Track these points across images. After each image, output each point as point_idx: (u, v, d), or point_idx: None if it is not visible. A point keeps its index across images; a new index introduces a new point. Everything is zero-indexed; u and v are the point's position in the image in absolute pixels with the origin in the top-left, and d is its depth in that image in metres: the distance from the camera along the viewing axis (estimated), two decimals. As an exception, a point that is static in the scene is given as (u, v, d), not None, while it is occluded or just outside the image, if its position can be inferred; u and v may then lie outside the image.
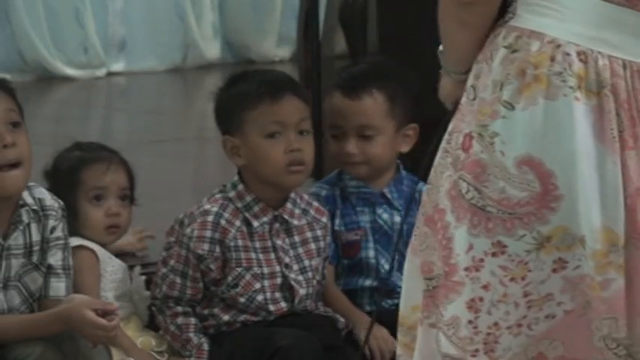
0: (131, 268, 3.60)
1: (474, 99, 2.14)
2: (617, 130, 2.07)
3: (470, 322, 2.12)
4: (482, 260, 2.12)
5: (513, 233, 2.10)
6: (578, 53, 2.08)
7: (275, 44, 8.46)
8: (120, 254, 3.60)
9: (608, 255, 2.07)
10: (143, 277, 3.59)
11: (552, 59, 2.08)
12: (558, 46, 2.08)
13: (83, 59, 8.01)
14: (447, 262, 2.16)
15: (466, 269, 2.12)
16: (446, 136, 2.19)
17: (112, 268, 3.50)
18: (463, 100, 2.16)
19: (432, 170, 2.25)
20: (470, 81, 2.16)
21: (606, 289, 2.06)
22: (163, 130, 6.52)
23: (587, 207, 2.09)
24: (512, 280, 2.11)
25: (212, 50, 8.39)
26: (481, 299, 2.15)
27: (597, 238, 2.09)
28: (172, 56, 8.35)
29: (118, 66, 8.18)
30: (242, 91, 3.49)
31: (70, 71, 7.87)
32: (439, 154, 2.20)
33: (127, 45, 8.35)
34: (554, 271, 2.11)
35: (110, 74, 8.08)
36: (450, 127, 2.21)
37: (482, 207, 2.13)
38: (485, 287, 2.14)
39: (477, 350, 2.14)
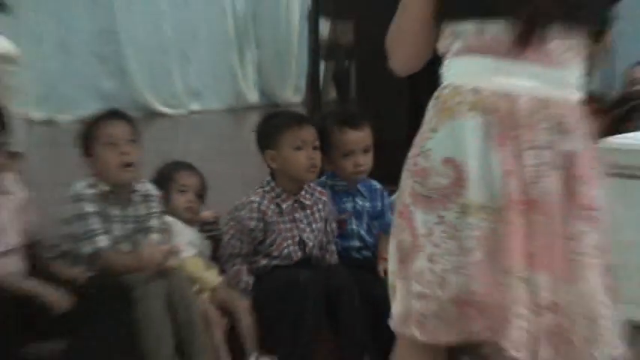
0: (202, 231, 4.43)
1: (421, 138, 2.73)
2: (495, 135, 2.57)
3: (430, 269, 2.64)
4: (431, 229, 2.64)
5: (447, 207, 2.61)
6: (473, 90, 2.60)
7: (292, 93, 10.39)
8: (202, 224, 4.41)
9: (490, 214, 2.60)
10: (207, 241, 4.41)
11: (455, 96, 2.62)
12: (460, 86, 2.62)
13: (173, 101, 9.66)
14: (412, 234, 2.68)
15: (423, 236, 2.64)
16: (406, 161, 2.74)
17: (188, 233, 4.24)
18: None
19: (400, 183, 2.77)
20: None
21: (484, 243, 2.61)
22: (224, 147, 7.41)
23: (478, 185, 2.59)
24: (450, 238, 2.62)
25: (253, 97, 10.32)
26: (434, 254, 2.63)
27: (483, 204, 2.59)
28: (228, 101, 10.18)
29: (194, 106, 9.81)
30: (277, 122, 4.33)
31: (164, 109, 9.51)
32: (403, 174, 2.75)
33: (200, 92, 9.99)
34: (472, 229, 2.61)
35: (191, 112, 9.74)
36: (409, 155, 2.75)
37: (427, 195, 2.64)
38: (436, 246, 2.63)
39: (434, 288, 2.65)
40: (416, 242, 2.69)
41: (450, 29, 2.71)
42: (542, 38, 2.64)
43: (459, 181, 2.61)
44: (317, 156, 4.18)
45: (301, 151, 4.16)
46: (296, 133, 4.19)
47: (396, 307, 2.75)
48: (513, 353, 2.58)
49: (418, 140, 2.69)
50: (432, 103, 2.69)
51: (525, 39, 2.64)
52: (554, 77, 2.69)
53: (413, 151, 2.69)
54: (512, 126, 2.62)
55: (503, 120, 2.60)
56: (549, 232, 2.64)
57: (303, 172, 4.18)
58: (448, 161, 2.62)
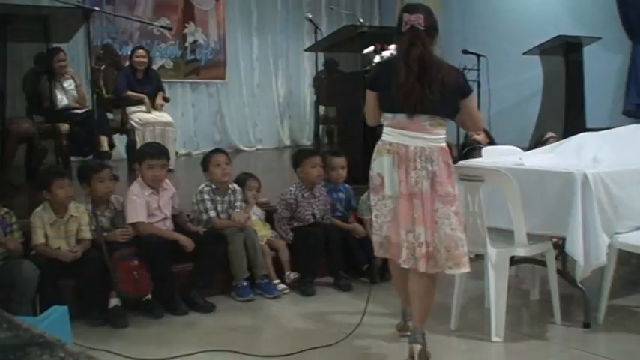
0: (260, 208, 5.00)
1: (372, 162, 3.33)
2: (397, 164, 3.21)
3: (375, 221, 3.33)
4: (376, 203, 3.32)
5: (378, 194, 3.30)
6: (389, 143, 3.24)
7: (306, 140, 11.15)
8: (261, 204, 5.02)
9: (393, 201, 3.25)
10: (263, 211, 5.02)
11: (383, 145, 3.26)
12: (385, 141, 3.27)
13: (248, 144, 10.78)
14: (372, 205, 3.37)
15: (373, 206, 3.35)
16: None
17: (254, 209, 4.91)
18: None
19: (369, 187, 3.37)
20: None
21: (392, 213, 3.24)
22: (274, 166, 8.17)
23: (389, 186, 3.25)
24: (379, 208, 3.30)
25: (287, 141, 11.23)
26: (376, 215, 3.33)
27: (391, 195, 3.24)
28: (275, 144, 11.13)
29: (259, 146, 10.89)
30: (302, 154, 4.98)
31: (243, 148, 10.68)
32: (370, 183, 3.36)
33: (262, 139, 11.00)
34: (386, 206, 3.27)
35: (257, 149, 10.76)
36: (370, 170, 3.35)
37: (373, 189, 3.33)
38: (377, 211, 3.33)
39: (378, 231, 3.31)
40: (371, 207, 3.39)
41: (382, 114, 3.33)
42: (418, 120, 3.22)
43: (381, 184, 3.29)
44: (322, 171, 4.85)
45: (314, 168, 4.80)
46: (311, 159, 4.85)
47: (373, 240, 3.42)
48: (403, 264, 3.24)
49: (371, 164, 3.35)
50: (375, 147, 3.36)
51: (410, 120, 3.22)
52: (426, 137, 3.22)
53: (370, 169, 3.36)
54: (405, 160, 3.21)
55: (402, 157, 3.22)
56: (422, 208, 3.20)
57: (315, 179, 4.82)
58: (378, 174, 3.30)
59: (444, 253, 3.18)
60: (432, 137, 3.20)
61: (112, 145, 7.03)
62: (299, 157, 4.91)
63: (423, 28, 3.17)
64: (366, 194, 4.82)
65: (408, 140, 3.19)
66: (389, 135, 3.27)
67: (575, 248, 3.35)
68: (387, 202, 3.23)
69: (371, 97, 3.32)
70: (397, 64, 3.20)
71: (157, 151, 4.52)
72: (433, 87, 3.12)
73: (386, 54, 5.49)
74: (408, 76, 3.12)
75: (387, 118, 3.28)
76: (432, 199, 3.16)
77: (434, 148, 3.18)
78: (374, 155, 3.30)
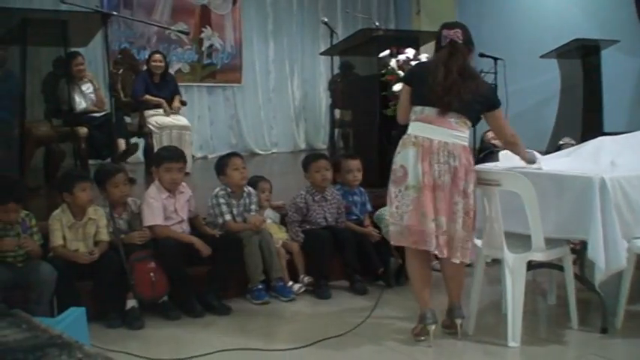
0: (274, 210, 5.02)
1: (395, 155, 3.46)
2: (420, 156, 3.36)
3: (396, 212, 3.43)
4: (396, 194, 3.44)
5: (400, 185, 3.41)
6: (415, 136, 3.40)
7: (322, 144, 11.21)
8: (275, 207, 5.05)
9: (416, 190, 3.37)
10: (278, 214, 5.05)
11: (408, 138, 3.42)
12: (410, 134, 3.43)
13: (264, 147, 10.88)
14: (390, 196, 3.48)
15: (394, 197, 3.46)
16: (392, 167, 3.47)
17: (268, 211, 4.97)
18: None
19: (390, 179, 3.47)
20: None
21: (415, 202, 3.36)
22: (287, 170, 8.00)
23: (412, 176, 3.37)
24: (400, 199, 3.42)
25: (302, 145, 11.31)
26: (397, 205, 3.44)
27: (414, 185, 3.37)
28: (291, 147, 11.18)
29: (274, 149, 11.00)
30: (308, 159, 4.96)
31: (259, 151, 10.77)
32: (390, 175, 3.48)
33: (277, 142, 11.09)
34: (409, 196, 3.38)
35: (272, 153, 10.90)
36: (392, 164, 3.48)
37: (394, 179, 3.45)
38: (398, 201, 3.44)
39: (398, 220, 3.43)
40: (390, 201, 3.48)
41: (412, 109, 3.49)
42: (447, 117, 3.40)
43: (405, 174, 3.41)
44: (327, 175, 4.85)
45: (318, 173, 4.82)
46: (315, 164, 4.87)
47: (389, 230, 3.58)
48: (432, 250, 3.43)
49: (394, 158, 3.49)
50: (400, 141, 3.50)
51: (439, 115, 3.40)
52: (451, 133, 3.41)
53: (392, 162, 3.49)
54: (429, 152, 3.38)
55: (426, 150, 3.39)
56: (444, 199, 3.37)
57: (320, 183, 4.83)
58: (401, 166, 3.44)
59: (457, 242, 3.41)
60: (456, 134, 3.38)
61: (133, 148, 7.08)
62: (306, 161, 4.95)
63: (461, 41, 3.42)
64: (385, 208, 4.75)
65: (433, 134, 3.36)
66: (415, 129, 3.43)
67: (597, 253, 3.33)
68: (409, 191, 3.36)
69: (405, 92, 3.54)
70: (435, 66, 3.41)
71: (175, 155, 4.53)
72: (467, 91, 3.34)
73: (402, 57, 5.59)
74: (447, 77, 3.33)
75: (415, 112, 3.44)
76: (451, 192, 3.34)
77: (457, 145, 3.36)
78: (398, 149, 3.45)
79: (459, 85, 3.33)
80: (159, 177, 4.46)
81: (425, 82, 3.39)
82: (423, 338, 3.57)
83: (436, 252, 3.40)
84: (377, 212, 4.93)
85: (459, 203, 3.36)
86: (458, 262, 3.45)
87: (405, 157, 3.41)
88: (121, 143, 6.69)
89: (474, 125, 3.52)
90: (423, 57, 5.69)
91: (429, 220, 3.33)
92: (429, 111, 3.39)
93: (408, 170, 3.37)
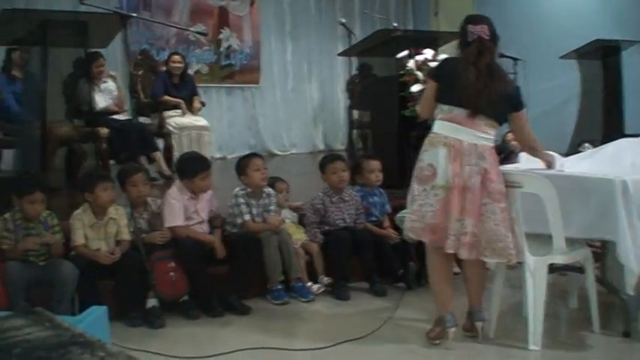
0: (293, 211, 5.01)
1: (420, 153, 3.43)
2: (452, 156, 3.34)
3: (418, 210, 3.42)
4: (419, 193, 3.43)
5: (425, 184, 3.40)
6: (445, 136, 3.36)
7: (340, 144, 11.15)
8: (295, 208, 5.04)
9: (445, 190, 3.35)
10: (296, 214, 5.03)
11: (437, 138, 3.39)
12: (439, 134, 3.39)
13: (282, 148, 10.93)
14: (412, 194, 3.47)
15: (417, 195, 3.44)
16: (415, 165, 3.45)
17: (286, 212, 4.94)
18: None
19: (413, 176, 3.45)
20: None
21: (442, 202, 3.33)
22: (306, 170, 7.64)
23: (442, 176, 3.34)
24: (424, 197, 3.39)
25: (321, 146, 11.33)
26: (420, 204, 3.43)
27: (442, 185, 3.34)
28: (309, 148, 11.22)
29: (293, 150, 11.05)
30: (325, 160, 4.96)
31: (278, 152, 10.85)
32: (414, 173, 3.45)
33: (296, 143, 11.11)
34: (436, 195, 3.36)
35: (291, 154, 10.93)
36: (417, 161, 3.44)
37: (419, 177, 3.43)
38: (421, 199, 3.42)
39: (420, 218, 3.42)
40: (414, 197, 3.47)
41: (439, 107, 3.45)
42: (477, 119, 3.38)
43: (433, 174, 3.39)
44: (344, 177, 4.86)
45: (335, 174, 4.84)
46: (332, 165, 4.89)
47: (406, 226, 3.55)
48: (447, 249, 3.39)
49: (419, 155, 3.48)
50: (426, 139, 3.47)
51: (469, 117, 3.38)
52: (480, 135, 3.39)
53: (417, 160, 3.48)
54: (460, 154, 3.36)
55: (457, 151, 3.37)
56: (473, 200, 3.35)
57: (336, 184, 4.84)
58: (430, 165, 3.41)
59: (484, 244, 3.35)
60: (485, 136, 3.37)
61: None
62: (322, 163, 4.96)
63: (488, 38, 3.38)
64: (406, 210, 4.79)
65: (463, 135, 3.34)
66: (443, 128, 3.40)
67: (628, 255, 3.30)
68: (438, 191, 3.34)
69: (432, 87, 3.49)
70: (464, 66, 3.35)
71: (206, 163, 4.61)
72: (496, 93, 3.31)
73: (420, 58, 5.55)
74: (478, 78, 3.29)
75: (442, 111, 3.41)
76: (480, 193, 3.31)
77: (486, 147, 3.36)
78: (425, 147, 3.43)
79: (489, 86, 3.31)
80: (193, 186, 4.48)
81: (454, 81, 3.36)
82: (438, 342, 3.56)
83: (448, 250, 3.39)
84: (398, 214, 4.86)
85: (487, 204, 3.35)
86: (491, 261, 3.50)
87: (434, 156, 3.39)
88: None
89: (500, 125, 3.50)
90: (422, 56, 5.69)
91: (453, 220, 3.33)
92: (459, 112, 3.37)
93: (438, 170, 3.35)
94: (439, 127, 3.43)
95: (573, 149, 5.80)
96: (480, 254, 3.39)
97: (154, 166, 6.63)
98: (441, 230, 3.37)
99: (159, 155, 6.69)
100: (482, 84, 3.29)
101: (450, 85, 3.37)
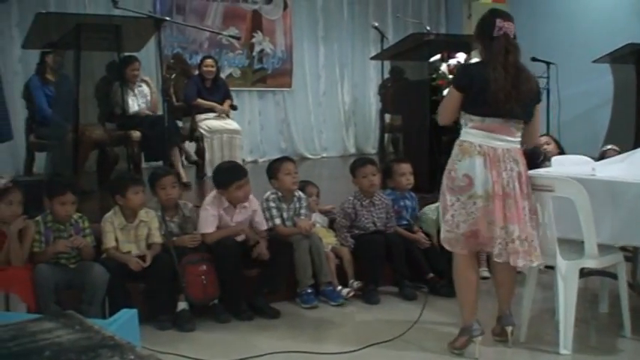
0: (323, 215, 5.05)
1: (452, 163, 3.39)
2: (488, 165, 3.30)
3: (451, 220, 3.38)
4: (452, 203, 3.39)
5: (460, 194, 3.35)
6: (479, 145, 3.32)
7: (371, 148, 11.02)
8: (325, 212, 5.09)
9: (485, 200, 3.32)
10: (326, 218, 5.06)
11: (471, 146, 3.33)
12: (473, 143, 3.33)
13: (314, 152, 10.85)
14: (444, 205, 3.43)
15: (450, 205, 3.39)
16: (444, 174, 3.43)
17: (317, 215, 4.99)
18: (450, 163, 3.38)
19: (442, 185, 3.44)
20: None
21: (482, 211, 3.30)
22: (337, 174, 7.60)
23: (480, 186, 3.31)
24: (461, 208, 3.36)
25: (352, 150, 11.17)
26: (453, 214, 3.38)
27: (481, 195, 3.30)
28: (340, 152, 11.10)
29: (324, 154, 10.94)
30: (356, 164, 4.96)
31: (310, 156, 10.75)
32: (443, 179, 3.43)
33: (327, 147, 11.04)
34: (475, 204, 3.32)
35: (322, 157, 10.84)
36: (445, 172, 3.42)
37: (452, 188, 3.37)
38: (454, 210, 3.38)
39: (453, 228, 3.38)
40: (446, 208, 3.43)
41: (466, 116, 3.39)
42: (509, 123, 3.36)
43: (470, 184, 3.35)
44: (375, 180, 4.85)
45: (365, 178, 4.82)
46: (362, 169, 4.87)
47: (442, 236, 3.52)
48: (496, 259, 3.37)
49: (450, 165, 3.42)
50: (456, 148, 3.41)
51: (502, 124, 3.36)
52: (510, 140, 3.37)
53: (447, 169, 3.43)
54: (496, 161, 3.34)
55: (492, 159, 3.34)
56: (514, 206, 3.33)
57: (367, 188, 4.83)
58: (465, 175, 3.35)
59: (527, 248, 3.34)
60: (515, 139, 3.36)
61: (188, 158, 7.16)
62: (353, 167, 4.95)
63: (513, 36, 3.31)
64: (429, 207, 4.88)
65: (496, 143, 3.31)
66: (476, 137, 3.35)
67: None
68: (477, 200, 3.30)
69: (454, 96, 3.39)
70: (491, 69, 3.28)
71: (241, 172, 4.56)
72: (525, 94, 3.29)
73: (453, 62, 5.53)
74: (507, 80, 3.23)
75: (473, 120, 3.35)
76: (520, 197, 3.30)
77: (517, 150, 3.35)
78: (458, 156, 3.36)
79: (517, 87, 3.26)
80: (229, 195, 4.45)
81: (482, 90, 3.27)
82: (457, 352, 3.53)
83: (497, 259, 3.36)
84: (420, 211, 4.92)
85: (526, 207, 3.34)
86: (531, 265, 3.46)
87: (470, 166, 3.33)
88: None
89: (528, 122, 3.45)
90: (454, 60, 5.68)
91: (497, 228, 3.30)
92: (491, 120, 3.32)
93: (474, 180, 3.31)
94: (471, 136, 3.38)
95: (598, 158, 5.62)
96: (528, 260, 3.37)
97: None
98: (483, 237, 3.36)
99: (177, 156, 6.61)
100: (510, 85, 3.24)
101: (479, 96, 3.29)
